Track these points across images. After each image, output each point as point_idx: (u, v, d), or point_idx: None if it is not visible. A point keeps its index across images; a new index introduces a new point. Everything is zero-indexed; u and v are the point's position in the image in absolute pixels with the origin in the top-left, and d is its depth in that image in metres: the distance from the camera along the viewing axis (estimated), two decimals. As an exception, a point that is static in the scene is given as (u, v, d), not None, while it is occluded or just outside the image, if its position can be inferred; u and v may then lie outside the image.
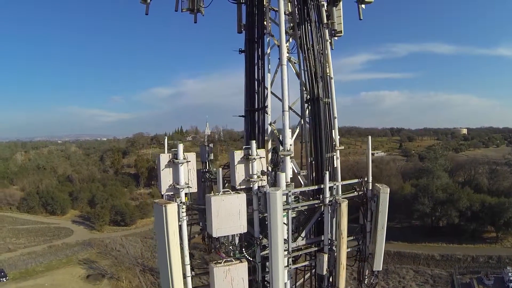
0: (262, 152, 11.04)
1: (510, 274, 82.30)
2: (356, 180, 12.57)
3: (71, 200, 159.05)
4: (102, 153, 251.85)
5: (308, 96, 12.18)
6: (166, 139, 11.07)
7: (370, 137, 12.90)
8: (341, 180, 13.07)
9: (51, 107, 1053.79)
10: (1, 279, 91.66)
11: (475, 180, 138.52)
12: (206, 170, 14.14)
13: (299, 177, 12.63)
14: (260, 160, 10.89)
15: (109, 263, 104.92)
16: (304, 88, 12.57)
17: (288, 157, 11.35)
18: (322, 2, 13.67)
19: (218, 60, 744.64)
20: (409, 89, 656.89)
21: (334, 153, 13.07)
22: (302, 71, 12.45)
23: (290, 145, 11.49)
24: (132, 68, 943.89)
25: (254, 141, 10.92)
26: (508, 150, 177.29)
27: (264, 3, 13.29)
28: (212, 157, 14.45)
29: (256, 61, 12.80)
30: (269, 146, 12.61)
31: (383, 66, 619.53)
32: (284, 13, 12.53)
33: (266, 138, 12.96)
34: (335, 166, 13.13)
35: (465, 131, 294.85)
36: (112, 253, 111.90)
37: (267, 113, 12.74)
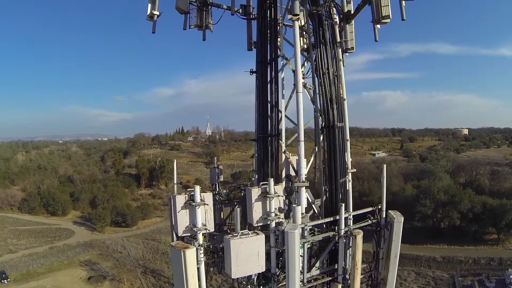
0: (279, 189, 10.83)
1: (511, 276, 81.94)
2: (370, 209, 12.43)
3: (72, 201, 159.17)
4: (103, 153, 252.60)
5: (323, 123, 12.02)
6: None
7: (385, 166, 12.77)
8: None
9: (53, 106, 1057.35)
10: (2, 280, 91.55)
11: (477, 181, 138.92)
12: (216, 192, 14.09)
13: (313, 206, 12.47)
14: (278, 198, 10.74)
15: (111, 264, 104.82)
16: (319, 115, 12.39)
17: (304, 187, 11.18)
18: (336, 20, 13.53)
19: (220, 61, 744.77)
20: (411, 89, 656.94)
21: (347, 177, 12.93)
22: (317, 97, 12.29)
23: (305, 175, 11.31)
24: (135, 68, 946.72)
25: (272, 179, 10.70)
26: (509, 151, 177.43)
27: (277, 18, 13.11)
28: (222, 178, 14.39)
29: (269, 85, 12.64)
30: (283, 174, 12.40)
31: (385, 66, 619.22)
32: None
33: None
34: (347, 188, 12.98)
35: (466, 131, 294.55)
36: (113, 254, 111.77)
37: (281, 140, 12.54)
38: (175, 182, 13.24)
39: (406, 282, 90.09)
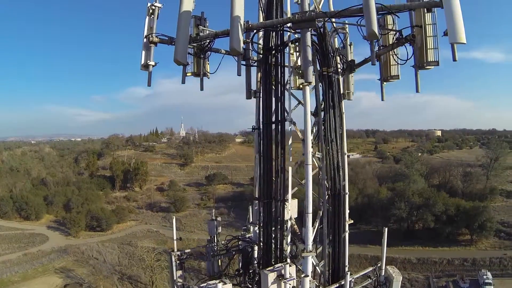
0: (293, 270, 10.76)
1: (484, 277, 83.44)
2: (370, 269, 12.60)
3: (46, 205, 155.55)
4: (77, 154, 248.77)
5: (330, 191, 11.91)
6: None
7: (386, 228, 12.88)
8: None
9: (27, 105, 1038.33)
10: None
11: (450, 182, 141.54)
12: (215, 243, 14.12)
13: (317, 268, 12.43)
14: (293, 281, 10.64)
15: (86, 271, 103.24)
16: (325, 182, 12.13)
17: (310, 256, 11.16)
18: (340, 70, 13.29)
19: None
20: (386, 89, 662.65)
21: (346, 230, 12.92)
22: (324, 164, 12.04)
23: (313, 243, 11.26)
24: (110, 66, 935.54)
25: (288, 264, 10.60)
26: (481, 152, 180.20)
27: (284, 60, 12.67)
28: (220, 230, 14.38)
29: (274, 147, 12.22)
30: (289, 240, 12.29)
31: (360, 67, 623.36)
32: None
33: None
34: (346, 240, 12.95)
35: (439, 133, 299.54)
36: (89, 261, 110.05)
37: (286, 207, 12.27)
38: (174, 238, 13.23)
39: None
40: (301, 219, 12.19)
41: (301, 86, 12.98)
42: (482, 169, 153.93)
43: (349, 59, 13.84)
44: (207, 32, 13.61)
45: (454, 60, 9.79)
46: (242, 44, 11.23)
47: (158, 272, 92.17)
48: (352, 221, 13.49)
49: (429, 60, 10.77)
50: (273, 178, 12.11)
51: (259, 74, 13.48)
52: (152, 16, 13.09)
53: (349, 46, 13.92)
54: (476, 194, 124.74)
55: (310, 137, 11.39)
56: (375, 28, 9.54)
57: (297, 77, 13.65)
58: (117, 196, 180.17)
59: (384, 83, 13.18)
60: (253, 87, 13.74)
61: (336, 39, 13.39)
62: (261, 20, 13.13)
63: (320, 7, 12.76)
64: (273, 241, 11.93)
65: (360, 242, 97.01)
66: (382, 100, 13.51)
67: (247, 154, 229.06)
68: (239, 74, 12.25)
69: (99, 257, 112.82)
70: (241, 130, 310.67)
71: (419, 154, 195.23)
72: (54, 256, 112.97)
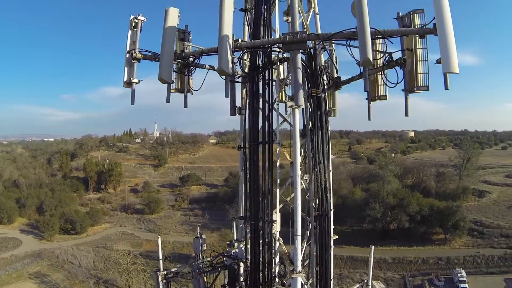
0: None
1: (459, 275, 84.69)
2: (357, 286, 12.76)
3: (18, 207, 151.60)
4: (49, 155, 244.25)
5: (317, 212, 11.79)
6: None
7: (372, 247, 12.98)
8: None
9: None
10: None
11: (423, 183, 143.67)
12: (200, 260, 14.00)
13: (305, 286, 12.35)
14: None
15: (62, 276, 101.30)
16: (312, 203, 12.04)
17: (299, 277, 11.06)
18: (326, 87, 12.97)
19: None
20: (358, 91, 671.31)
21: (332, 246, 12.86)
22: (312, 187, 11.90)
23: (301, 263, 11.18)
24: (83, 66, 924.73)
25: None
26: (454, 152, 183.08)
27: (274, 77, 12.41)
28: (205, 247, 14.26)
29: (261, 170, 11.75)
30: (277, 259, 12.16)
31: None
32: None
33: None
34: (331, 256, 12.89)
35: (412, 133, 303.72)
36: (64, 265, 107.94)
37: (274, 227, 11.98)
38: (160, 257, 13.08)
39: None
40: (284, 234, 12.21)
41: (285, 101, 12.86)
42: (455, 169, 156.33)
43: (335, 76, 13.72)
44: (191, 47, 13.31)
45: (446, 88, 9.83)
46: (230, 65, 10.96)
47: (134, 275, 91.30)
48: (336, 237, 13.47)
49: (419, 84, 10.77)
50: (260, 199, 11.79)
51: (244, 90, 13.23)
52: (135, 30, 12.69)
53: (334, 62, 13.77)
54: (449, 194, 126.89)
55: (299, 160, 11.20)
56: (370, 56, 9.43)
57: (281, 91, 13.42)
58: (91, 198, 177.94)
59: (371, 102, 12.90)
60: (237, 103, 13.47)
61: (322, 56, 13.08)
62: (247, 34, 12.98)
63: (307, 23, 12.69)
64: (261, 260, 11.80)
65: (336, 243, 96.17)
66: (369, 119, 13.00)
67: (221, 154, 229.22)
68: (226, 95, 11.95)
69: (74, 261, 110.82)
70: (215, 131, 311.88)
71: (393, 154, 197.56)
72: (28, 261, 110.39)
